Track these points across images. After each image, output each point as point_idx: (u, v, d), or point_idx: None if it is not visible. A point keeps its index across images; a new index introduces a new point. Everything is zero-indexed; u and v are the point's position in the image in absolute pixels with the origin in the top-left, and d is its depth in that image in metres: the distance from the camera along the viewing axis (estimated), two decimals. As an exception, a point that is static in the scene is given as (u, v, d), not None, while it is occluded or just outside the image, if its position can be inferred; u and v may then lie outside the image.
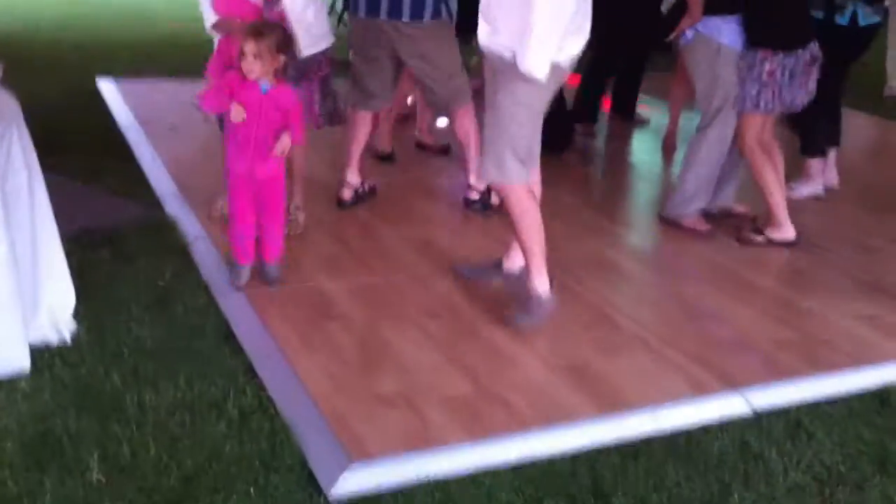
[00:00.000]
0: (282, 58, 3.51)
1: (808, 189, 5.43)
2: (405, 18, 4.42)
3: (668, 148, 6.32)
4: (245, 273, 3.77)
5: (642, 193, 5.85)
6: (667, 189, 5.37)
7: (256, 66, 3.44)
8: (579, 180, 5.79)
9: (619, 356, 3.50)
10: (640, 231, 5.04)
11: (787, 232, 4.66)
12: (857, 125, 7.10)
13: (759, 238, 4.67)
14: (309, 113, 4.23)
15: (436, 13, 4.45)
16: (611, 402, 3.16)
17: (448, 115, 4.98)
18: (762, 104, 4.48)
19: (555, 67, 3.40)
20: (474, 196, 4.86)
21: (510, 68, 3.39)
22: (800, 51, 4.42)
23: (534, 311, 3.64)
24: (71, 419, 2.81)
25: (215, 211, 4.41)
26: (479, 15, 3.53)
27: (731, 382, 3.33)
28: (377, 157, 5.55)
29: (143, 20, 9.87)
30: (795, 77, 4.44)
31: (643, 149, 6.71)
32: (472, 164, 4.73)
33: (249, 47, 3.42)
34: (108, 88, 6.71)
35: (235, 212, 3.71)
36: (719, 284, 4.23)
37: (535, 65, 3.32)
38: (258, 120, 3.52)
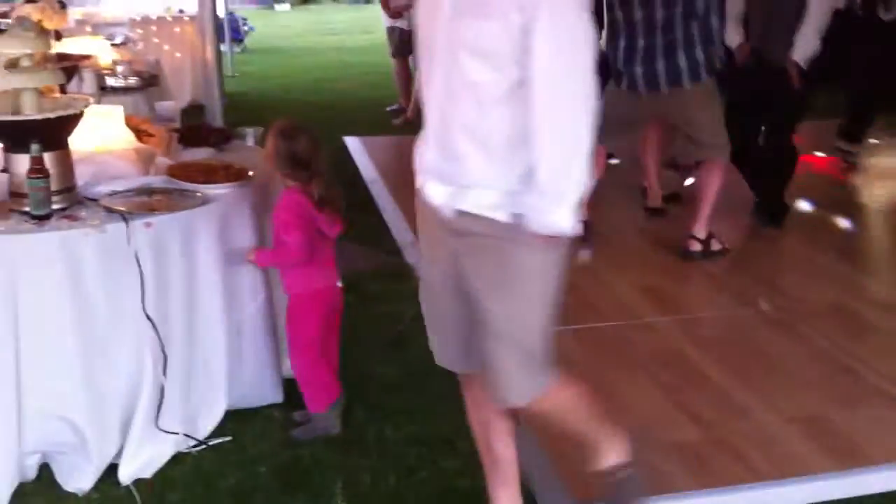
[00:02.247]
0: None
1: None
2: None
3: None
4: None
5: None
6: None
7: None
8: (807, 224, 5.56)
9: (859, 408, 3.35)
10: (877, 276, 4.76)
11: None
12: None
13: None
14: None
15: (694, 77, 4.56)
16: (849, 457, 3.03)
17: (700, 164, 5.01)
18: None
19: None
20: (695, 247, 4.82)
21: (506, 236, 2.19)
22: None
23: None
24: (318, 448, 3.05)
25: None
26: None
27: None
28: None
29: (383, 82, 10.48)
30: None
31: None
32: (701, 215, 4.75)
33: None
34: (353, 145, 7.19)
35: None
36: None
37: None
38: None
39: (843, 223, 5.62)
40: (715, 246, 4.85)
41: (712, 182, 4.79)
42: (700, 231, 4.82)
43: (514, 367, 2.32)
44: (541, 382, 2.39)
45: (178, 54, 8.16)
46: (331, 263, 3.14)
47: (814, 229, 5.37)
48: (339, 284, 3.18)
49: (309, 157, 2.96)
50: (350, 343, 3.74)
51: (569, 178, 2.07)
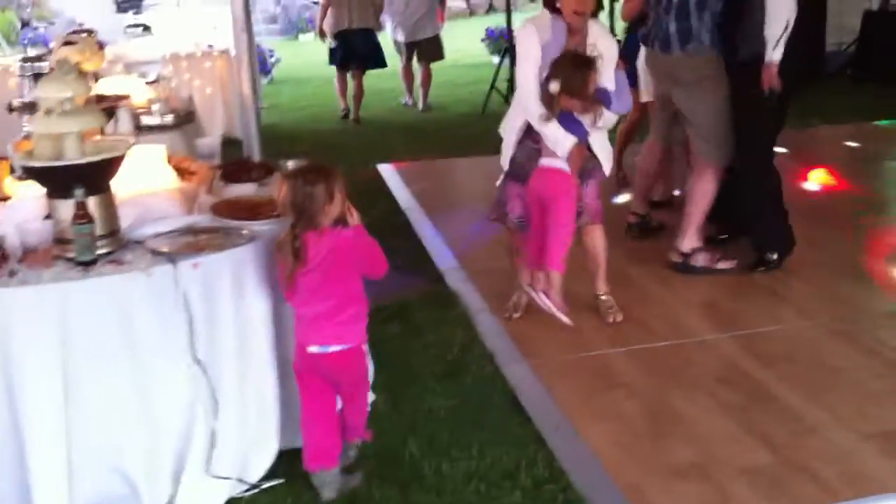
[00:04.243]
0: None
1: None
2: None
3: None
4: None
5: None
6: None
7: None
8: (848, 229, 5.39)
9: (937, 422, 3.21)
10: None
11: None
12: None
13: None
14: None
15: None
16: (931, 473, 2.90)
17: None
18: None
19: None
20: (675, 258, 4.72)
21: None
22: None
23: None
24: (374, 486, 2.97)
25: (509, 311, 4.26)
26: None
27: None
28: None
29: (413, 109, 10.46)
30: None
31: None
32: (684, 226, 4.66)
33: None
34: (387, 172, 7.14)
35: None
36: None
37: None
38: None
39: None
40: (701, 262, 4.64)
41: (702, 190, 4.60)
42: (682, 243, 4.67)
43: None
44: None
45: (208, 90, 8.19)
46: (321, 321, 2.83)
47: (864, 235, 5.23)
48: (336, 349, 2.85)
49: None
50: (400, 375, 3.68)
51: None
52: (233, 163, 3.70)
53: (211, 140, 3.99)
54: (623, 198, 5.78)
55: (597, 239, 4.12)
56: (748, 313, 4.19)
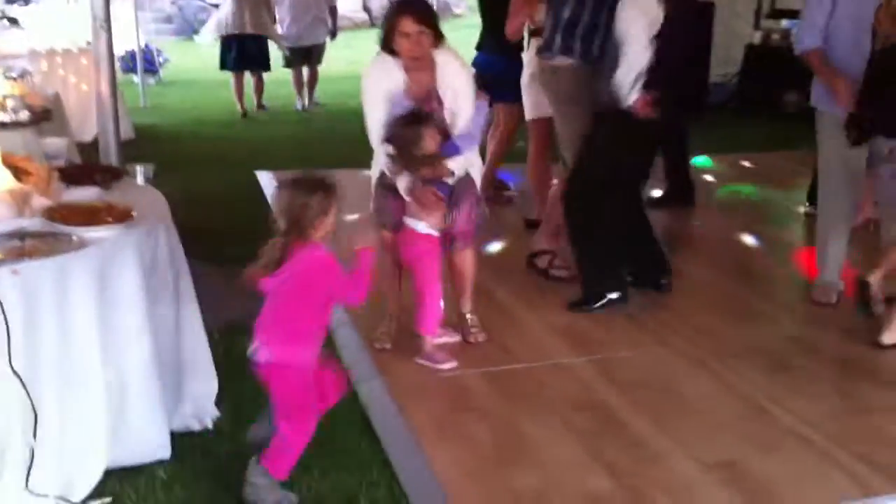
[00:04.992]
0: None
1: None
2: None
3: None
4: None
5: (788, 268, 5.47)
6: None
7: None
8: (716, 257, 5.51)
9: (776, 453, 3.25)
10: (796, 314, 4.68)
11: None
12: None
13: None
14: None
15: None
16: (765, 502, 2.92)
17: None
18: None
19: None
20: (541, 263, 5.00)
21: None
22: None
23: None
24: (203, 512, 2.83)
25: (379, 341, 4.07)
26: None
27: (901, 484, 3.03)
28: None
29: (299, 118, 10.32)
30: None
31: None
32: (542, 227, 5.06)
33: None
34: (265, 180, 6.98)
35: None
36: (888, 370, 3.91)
37: None
38: None
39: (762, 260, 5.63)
40: (541, 264, 4.99)
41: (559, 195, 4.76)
42: (534, 242, 5.05)
43: None
44: None
45: (84, 87, 7.88)
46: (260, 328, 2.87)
47: (734, 265, 5.34)
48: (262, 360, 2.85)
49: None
50: (247, 392, 3.54)
51: None
52: (76, 165, 3.53)
53: (60, 140, 3.80)
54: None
55: (466, 261, 4.05)
56: (608, 338, 4.21)
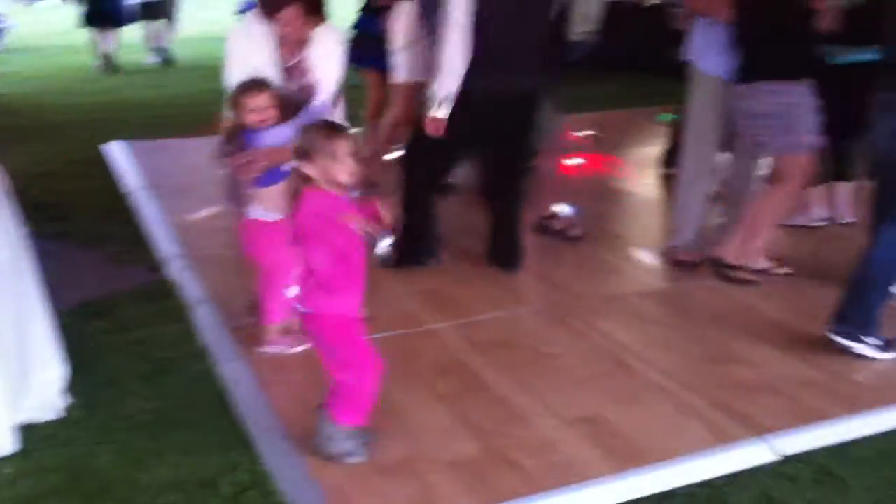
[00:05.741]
0: None
1: (802, 219, 5.29)
2: None
3: None
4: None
5: (646, 227, 5.61)
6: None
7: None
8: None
9: (637, 405, 3.32)
10: (652, 272, 4.80)
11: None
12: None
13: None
14: None
15: None
16: (628, 457, 2.98)
17: None
18: None
19: None
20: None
21: None
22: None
23: None
24: (56, 502, 2.69)
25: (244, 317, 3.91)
26: None
27: (755, 428, 3.14)
28: None
29: (151, 84, 9.93)
30: None
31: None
32: None
33: None
34: (114, 151, 6.68)
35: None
36: (740, 324, 4.05)
37: None
38: None
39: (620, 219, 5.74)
40: (558, 225, 5.08)
41: None
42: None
43: None
44: None
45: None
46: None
47: (594, 223, 5.42)
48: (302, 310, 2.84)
49: None
50: (98, 377, 3.39)
51: None
52: None
53: None
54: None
55: None
56: (469, 301, 4.21)
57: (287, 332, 3.65)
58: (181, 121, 7.71)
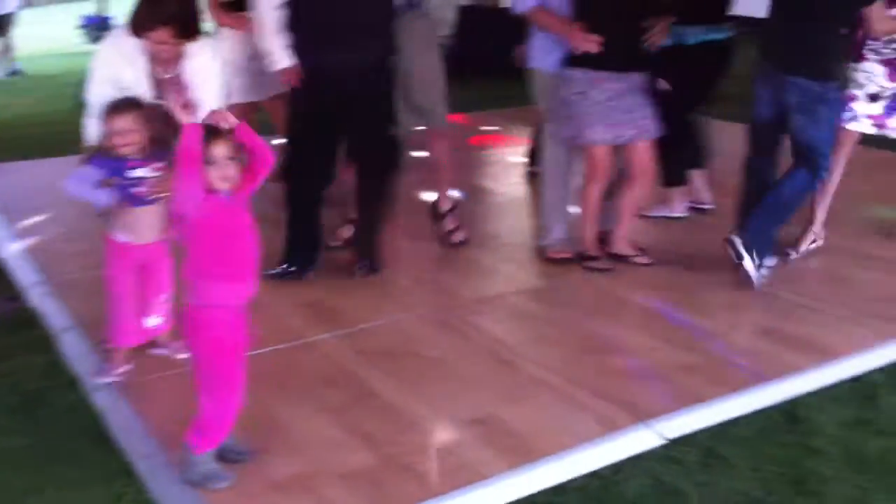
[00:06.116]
0: None
1: (664, 211, 5.49)
2: None
3: None
4: None
5: (516, 226, 5.67)
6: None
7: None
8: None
9: (524, 402, 3.36)
10: (525, 266, 4.86)
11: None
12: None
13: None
14: None
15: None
16: (520, 454, 3.00)
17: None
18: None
19: None
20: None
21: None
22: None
23: None
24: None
25: None
26: None
27: (639, 415, 3.23)
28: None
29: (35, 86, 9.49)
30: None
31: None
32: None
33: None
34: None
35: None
36: (614, 314, 4.16)
37: None
38: None
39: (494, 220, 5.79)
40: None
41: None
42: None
43: None
44: None
45: None
46: None
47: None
48: None
49: None
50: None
51: None
52: None
53: None
54: None
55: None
56: (350, 310, 4.17)
57: (118, 353, 3.51)
58: (29, 141, 7.35)
